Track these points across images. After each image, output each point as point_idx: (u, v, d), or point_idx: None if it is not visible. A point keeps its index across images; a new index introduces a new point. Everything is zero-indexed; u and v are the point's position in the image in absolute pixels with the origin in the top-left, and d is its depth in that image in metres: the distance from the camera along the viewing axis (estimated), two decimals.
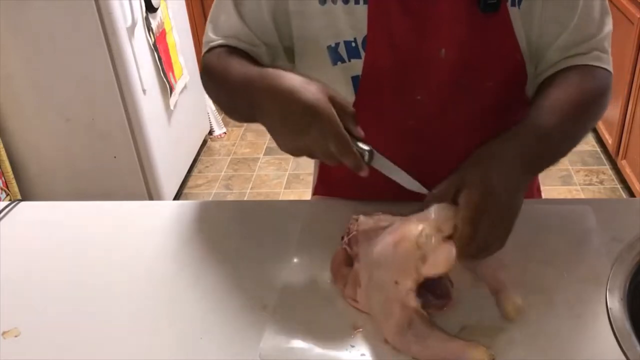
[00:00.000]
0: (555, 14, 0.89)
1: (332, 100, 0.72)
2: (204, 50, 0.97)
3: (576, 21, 0.89)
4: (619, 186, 2.65)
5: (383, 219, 0.82)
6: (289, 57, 0.98)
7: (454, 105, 0.92)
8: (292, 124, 0.72)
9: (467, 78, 0.90)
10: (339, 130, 0.71)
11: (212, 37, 0.97)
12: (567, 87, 0.86)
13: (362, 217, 0.82)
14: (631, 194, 2.52)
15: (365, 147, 0.74)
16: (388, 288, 0.69)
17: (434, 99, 0.92)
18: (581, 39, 0.89)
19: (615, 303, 0.74)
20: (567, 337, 0.71)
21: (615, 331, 0.70)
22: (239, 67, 0.85)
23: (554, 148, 0.81)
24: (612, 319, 0.72)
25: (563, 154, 0.85)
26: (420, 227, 0.67)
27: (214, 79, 0.91)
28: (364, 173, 0.74)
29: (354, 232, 0.79)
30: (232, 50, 0.93)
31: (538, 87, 0.91)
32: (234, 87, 0.83)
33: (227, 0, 0.94)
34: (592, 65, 0.89)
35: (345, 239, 0.81)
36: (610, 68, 0.91)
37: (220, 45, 0.95)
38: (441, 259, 0.65)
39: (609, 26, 0.91)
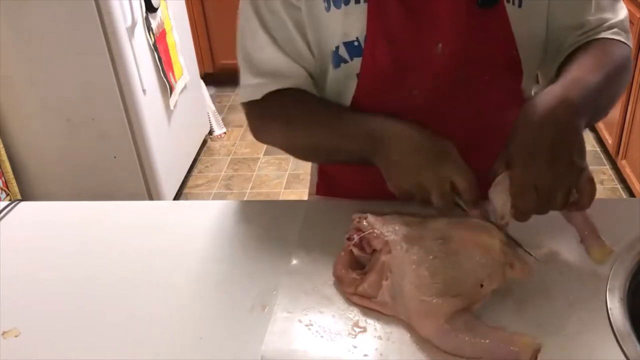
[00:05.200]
0: (569, 11, 0.90)
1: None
2: (252, 95, 0.95)
3: (592, 13, 0.90)
4: (619, 186, 2.65)
5: (390, 219, 0.82)
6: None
7: (450, 100, 0.92)
8: (421, 159, 0.80)
9: (463, 73, 0.90)
10: (466, 168, 0.80)
11: (252, 79, 0.95)
12: (593, 52, 0.87)
13: (370, 216, 0.82)
14: (631, 194, 2.52)
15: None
16: (466, 290, 0.72)
17: (431, 94, 0.92)
18: (599, 24, 0.91)
19: (615, 303, 0.74)
20: (567, 337, 0.71)
21: (615, 331, 0.70)
22: (339, 111, 0.93)
23: (591, 94, 0.78)
24: (612, 319, 0.72)
25: (599, 108, 0.84)
26: (497, 239, 0.76)
27: (295, 126, 0.94)
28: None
29: (371, 231, 0.80)
30: (292, 92, 0.94)
31: (563, 62, 0.91)
32: (340, 132, 0.89)
33: (261, 36, 0.92)
34: (613, 39, 0.90)
35: (356, 238, 0.80)
36: (630, 43, 0.92)
37: (274, 90, 0.94)
38: (525, 267, 0.76)
39: (624, 10, 0.93)
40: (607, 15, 0.91)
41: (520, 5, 0.88)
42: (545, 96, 0.75)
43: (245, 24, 0.94)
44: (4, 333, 0.78)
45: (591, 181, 0.75)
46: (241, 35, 0.95)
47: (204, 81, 3.22)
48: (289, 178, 2.88)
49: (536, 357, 0.66)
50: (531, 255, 0.78)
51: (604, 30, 0.91)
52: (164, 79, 2.55)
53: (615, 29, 0.91)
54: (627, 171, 2.51)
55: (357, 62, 0.91)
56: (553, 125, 0.73)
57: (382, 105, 0.94)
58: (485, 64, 0.91)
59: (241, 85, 0.97)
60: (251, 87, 0.95)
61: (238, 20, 0.95)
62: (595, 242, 0.78)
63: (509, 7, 0.87)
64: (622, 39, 0.91)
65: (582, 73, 0.80)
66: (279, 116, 0.96)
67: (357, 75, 0.92)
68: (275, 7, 0.90)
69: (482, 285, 0.73)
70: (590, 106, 0.78)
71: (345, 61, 0.91)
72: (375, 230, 0.80)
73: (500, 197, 0.77)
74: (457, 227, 0.78)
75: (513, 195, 0.75)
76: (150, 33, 2.45)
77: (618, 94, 0.90)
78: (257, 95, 0.95)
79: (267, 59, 0.93)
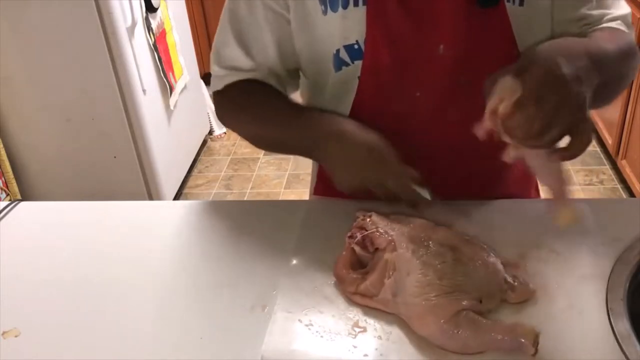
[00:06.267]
0: (572, 5, 0.90)
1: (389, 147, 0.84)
2: (216, 86, 1.00)
3: (594, 7, 0.90)
4: (619, 186, 2.65)
5: (394, 219, 0.82)
6: (294, 81, 1.03)
7: (451, 101, 0.92)
8: (355, 162, 0.85)
9: (465, 74, 0.90)
10: (398, 167, 0.84)
11: (218, 70, 0.99)
12: (601, 35, 0.87)
13: (374, 215, 0.83)
14: (631, 194, 2.52)
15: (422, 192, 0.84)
16: (467, 299, 0.73)
17: (433, 96, 0.92)
18: (602, 16, 0.90)
19: (616, 303, 0.74)
20: (567, 337, 0.71)
21: (615, 331, 0.70)
22: (285, 107, 0.96)
23: (603, 59, 0.77)
24: (612, 319, 0.72)
25: (610, 79, 0.80)
26: (502, 265, 0.78)
27: (246, 117, 0.99)
28: (418, 210, 0.86)
29: (375, 230, 0.80)
30: (251, 84, 0.97)
31: None
32: (283, 127, 0.94)
33: (228, 32, 0.96)
34: (617, 29, 0.90)
35: (359, 236, 0.80)
36: (633, 37, 0.92)
37: (235, 82, 0.98)
38: (526, 289, 0.77)
39: (626, 8, 0.93)
40: (609, 10, 0.91)
41: (521, 4, 0.87)
42: (563, 40, 0.77)
43: (224, 17, 0.97)
44: (4, 333, 0.78)
45: (589, 132, 0.70)
46: (219, 26, 0.98)
47: (204, 81, 3.22)
48: (289, 178, 2.88)
49: (537, 343, 0.67)
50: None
51: (607, 22, 0.90)
52: (164, 79, 2.55)
53: (618, 21, 0.91)
54: (627, 171, 2.50)
55: (358, 65, 0.91)
56: (567, 60, 0.69)
57: (384, 107, 0.94)
58: (487, 65, 0.91)
59: (212, 76, 1.02)
60: (217, 78, 1.00)
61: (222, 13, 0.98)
62: (566, 205, 0.74)
63: (509, 7, 0.87)
64: (626, 30, 0.91)
65: (593, 41, 0.81)
66: (234, 106, 1.00)
67: (359, 77, 0.92)
68: (254, 9, 0.92)
69: (481, 301, 0.74)
70: (603, 68, 0.75)
71: (347, 64, 0.91)
72: (380, 229, 0.80)
73: (504, 92, 0.69)
74: (468, 243, 0.80)
75: (517, 102, 0.68)
76: (150, 33, 2.45)
77: (628, 77, 0.89)
78: (219, 86, 0.99)
79: (229, 56, 0.97)
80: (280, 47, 0.94)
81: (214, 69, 1.00)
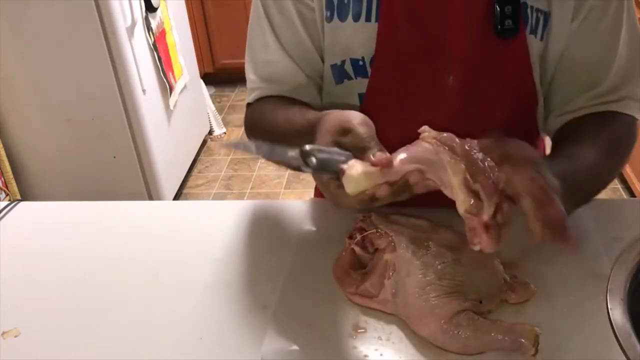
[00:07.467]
0: (589, 63, 0.85)
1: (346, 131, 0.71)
2: (250, 97, 0.96)
3: (613, 72, 0.85)
4: (619, 186, 2.65)
5: (394, 219, 0.82)
6: None
7: (457, 134, 0.90)
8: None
9: (473, 108, 0.87)
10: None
11: (255, 82, 0.95)
12: (594, 137, 0.83)
13: (374, 215, 0.82)
14: (631, 194, 2.52)
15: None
16: (467, 300, 0.73)
17: (437, 126, 0.90)
18: (614, 87, 0.86)
19: (616, 303, 0.74)
20: (567, 337, 0.71)
21: (615, 331, 0.70)
22: (299, 116, 0.83)
23: (574, 194, 0.74)
24: (612, 319, 0.72)
25: (583, 199, 0.81)
26: (501, 266, 0.78)
27: (268, 133, 0.89)
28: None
29: (374, 230, 0.80)
30: (280, 98, 0.92)
31: (563, 126, 0.88)
32: (298, 137, 0.80)
33: (268, 35, 0.91)
34: (620, 113, 0.87)
35: (358, 237, 0.81)
36: (638, 115, 0.88)
37: (266, 96, 0.93)
38: (527, 289, 0.77)
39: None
40: (625, 78, 0.86)
41: (542, 39, 0.83)
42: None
43: (254, 22, 0.93)
44: (4, 333, 0.78)
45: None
46: (249, 33, 0.94)
47: (204, 81, 3.22)
48: (289, 178, 2.88)
49: (537, 343, 0.67)
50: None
51: (617, 100, 0.86)
52: (164, 79, 2.55)
53: (626, 100, 0.86)
54: (627, 171, 2.50)
55: (360, 82, 0.88)
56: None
57: (385, 131, 0.91)
58: (498, 98, 0.87)
59: (247, 88, 0.97)
60: (251, 90, 0.96)
61: (249, 19, 0.94)
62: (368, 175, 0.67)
63: (529, 38, 0.83)
64: (631, 112, 0.87)
65: (571, 166, 0.76)
66: (251, 126, 0.96)
67: (360, 95, 0.90)
68: (285, 6, 0.88)
69: (481, 302, 0.74)
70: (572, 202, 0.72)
71: (350, 78, 0.89)
72: (379, 230, 0.80)
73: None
74: (468, 243, 0.80)
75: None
76: (150, 33, 2.45)
77: (614, 175, 0.90)
78: (250, 99, 0.96)
79: (268, 60, 0.92)
80: (314, 42, 0.90)
81: (249, 80, 0.95)
